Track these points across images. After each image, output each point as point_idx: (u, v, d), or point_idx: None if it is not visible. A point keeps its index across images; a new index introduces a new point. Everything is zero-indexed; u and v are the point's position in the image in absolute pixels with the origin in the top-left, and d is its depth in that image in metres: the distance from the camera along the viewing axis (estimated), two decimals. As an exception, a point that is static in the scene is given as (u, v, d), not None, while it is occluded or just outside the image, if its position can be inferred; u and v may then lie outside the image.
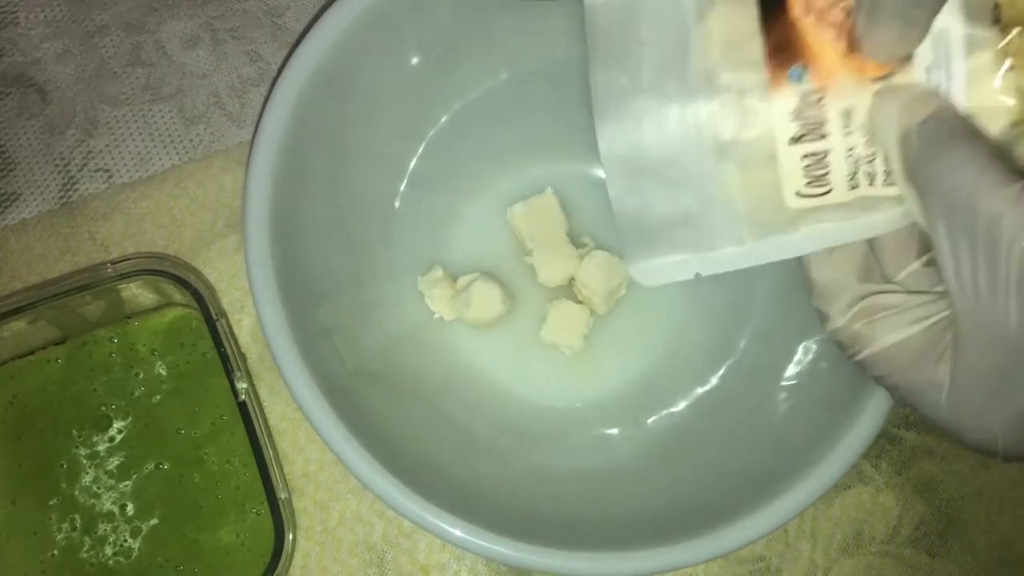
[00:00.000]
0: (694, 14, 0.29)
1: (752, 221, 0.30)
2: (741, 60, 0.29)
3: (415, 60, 0.40)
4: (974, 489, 0.44)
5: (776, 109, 0.28)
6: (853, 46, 0.27)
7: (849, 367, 0.30)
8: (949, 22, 0.26)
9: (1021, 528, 0.44)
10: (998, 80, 0.26)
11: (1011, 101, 0.26)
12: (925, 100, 0.26)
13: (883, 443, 0.45)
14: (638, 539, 0.35)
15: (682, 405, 0.42)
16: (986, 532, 0.44)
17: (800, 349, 0.38)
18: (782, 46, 0.28)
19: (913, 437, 0.45)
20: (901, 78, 0.27)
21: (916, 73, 0.27)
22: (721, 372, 0.42)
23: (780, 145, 0.29)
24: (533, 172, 0.46)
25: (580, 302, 0.44)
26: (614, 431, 0.43)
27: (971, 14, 0.26)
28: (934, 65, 0.27)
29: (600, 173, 0.46)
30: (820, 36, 0.28)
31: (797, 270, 0.33)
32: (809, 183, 0.29)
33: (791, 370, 0.38)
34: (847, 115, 0.28)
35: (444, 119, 0.43)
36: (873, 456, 0.44)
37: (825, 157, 0.29)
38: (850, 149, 0.28)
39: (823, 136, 0.29)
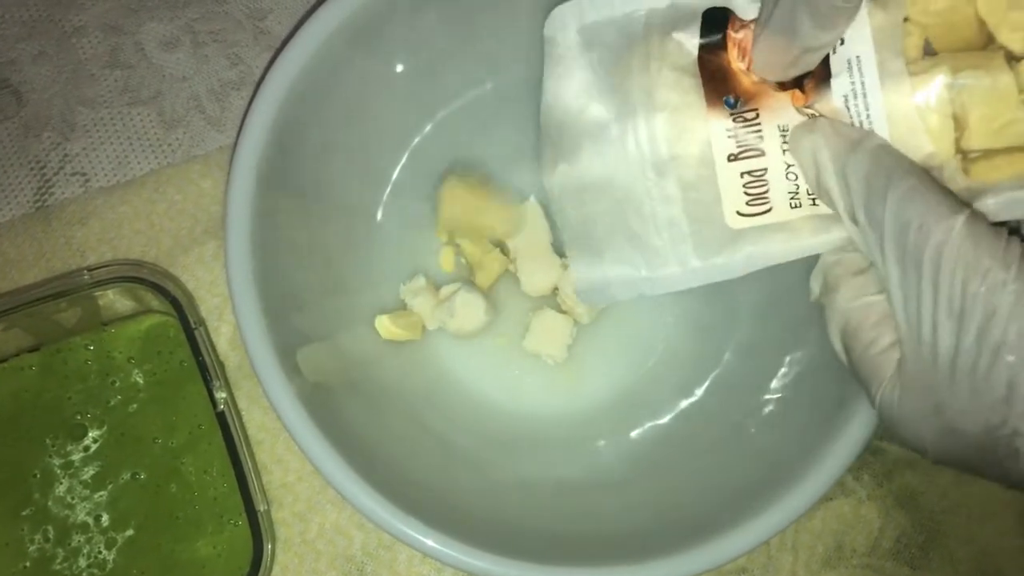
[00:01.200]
0: (642, 33, 0.30)
1: (695, 241, 0.30)
2: (680, 82, 0.30)
3: (399, 67, 0.40)
4: (955, 501, 0.45)
5: (713, 126, 0.29)
6: (784, 83, 0.28)
7: (834, 380, 0.30)
8: (861, 50, 0.26)
9: (1001, 540, 0.44)
10: (917, 111, 0.26)
11: (934, 129, 0.26)
12: (852, 135, 0.27)
13: (865, 455, 0.45)
14: (620, 554, 0.35)
15: (666, 417, 0.42)
16: (967, 544, 0.44)
17: (785, 362, 0.38)
18: (717, 78, 0.29)
19: (895, 449, 0.45)
20: (821, 107, 0.28)
21: (835, 101, 0.27)
22: (706, 384, 0.42)
23: (719, 162, 0.30)
24: (517, 181, 0.45)
25: (563, 312, 0.44)
26: (597, 443, 0.43)
27: (882, 43, 0.26)
28: (851, 95, 0.27)
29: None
30: (751, 78, 0.29)
31: (782, 282, 0.32)
32: (749, 201, 0.30)
33: (776, 383, 0.38)
34: (783, 132, 0.29)
35: (428, 127, 0.43)
36: (855, 468, 0.44)
37: (764, 174, 0.29)
38: (789, 166, 0.29)
39: (761, 153, 0.29)
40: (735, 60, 0.29)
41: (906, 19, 0.26)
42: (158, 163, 0.46)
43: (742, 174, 0.29)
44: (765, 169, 0.29)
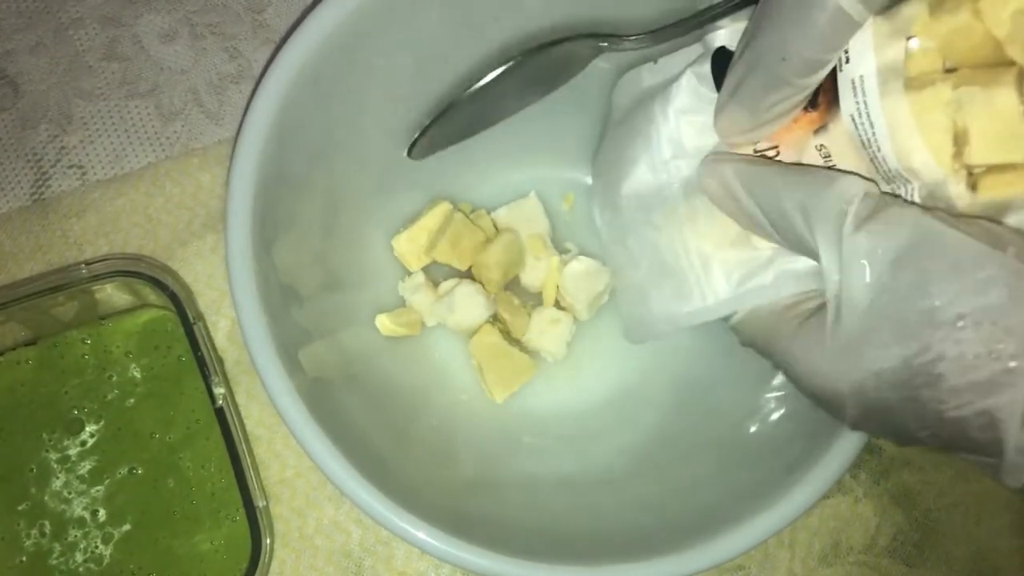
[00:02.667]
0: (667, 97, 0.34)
1: (726, 266, 0.32)
2: (705, 127, 0.32)
3: (400, 62, 0.39)
4: (951, 500, 0.45)
5: None
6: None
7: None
8: (864, 70, 0.27)
9: (998, 539, 0.44)
10: (918, 128, 0.26)
11: (935, 146, 0.26)
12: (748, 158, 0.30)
13: (862, 453, 0.44)
14: (619, 552, 0.35)
15: (666, 414, 0.42)
16: (963, 543, 0.44)
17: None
18: None
19: (892, 448, 0.45)
20: (834, 126, 0.29)
21: (844, 120, 0.28)
22: (706, 382, 0.42)
23: None
24: (518, 177, 0.45)
25: (563, 308, 0.44)
26: (596, 440, 0.42)
27: (884, 63, 0.26)
28: (856, 114, 0.27)
29: (585, 179, 0.45)
30: None
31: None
32: None
33: (777, 381, 0.38)
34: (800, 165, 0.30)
35: (429, 123, 0.42)
36: (852, 466, 0.44)
37: None
38: None
39: None
40: None
41: (912, 38, 0.26)
42: (156, 156, 0.46)
43: None
44: None
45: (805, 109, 0.29)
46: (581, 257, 0.44)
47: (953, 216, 0.26)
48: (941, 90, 0.25)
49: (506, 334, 0.44)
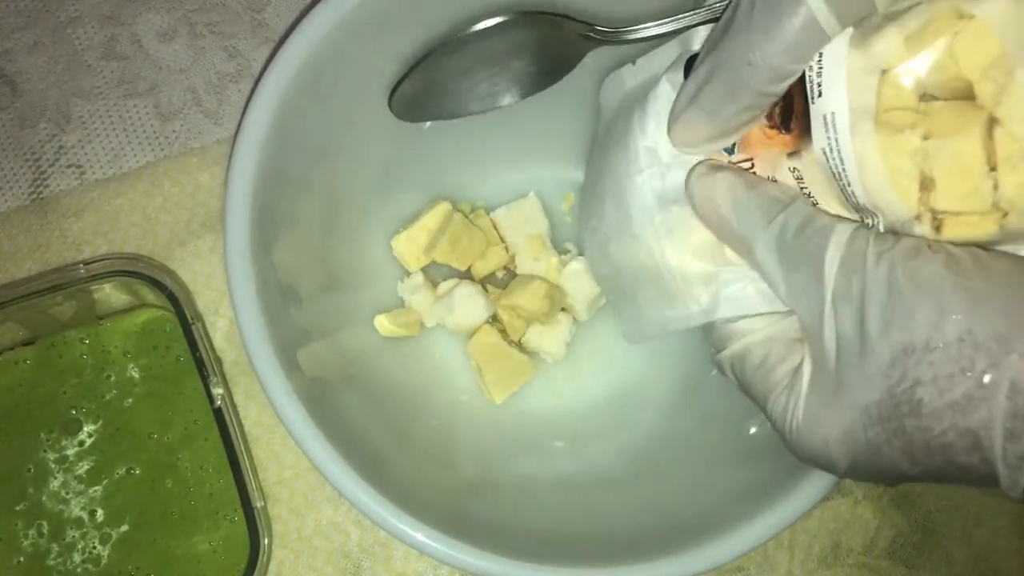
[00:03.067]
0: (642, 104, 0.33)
1: (704, 275, 0.33)
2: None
3: (401, 61, 0.39)
4: (951, 502, 0.45)
5: None
6: (770, 121, 0.30)
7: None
8: (836, 107, 0.27)
9: (997, 541, 0.44)
10: (886, 169, 0.26)
11: (902, 188, 0.26)
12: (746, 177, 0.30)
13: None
14: (618, 553, 0.35)
15: (665, 416, 0.42)
16: (963, 545, 0.44)
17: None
18: None
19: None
20: (806, 154, 0.29)
21: (816, 151, 0.28)
22: (706, 383, 0.42)
23: None
24: (517, 177, 0.45)
25: (563, 309, 0.44)
26: (595, 440, 0.42)
27: (856, 100, 0.26)
28: (827, 148, 0.27)
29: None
30: None
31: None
32: None
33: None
34: (774, 182, 0.30)
35: (429, 123, 0.42)
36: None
37: None
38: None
39: None
40: None
41: (886, 72, 0.26)
42: (154, 156, 0.46)
43: None
44: None
45: (779, 130, 0.29)
46: (580, 258, 0.44)
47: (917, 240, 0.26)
48: (910, 138, 0.25)
49: (505, 335, 0.43)
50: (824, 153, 0.28)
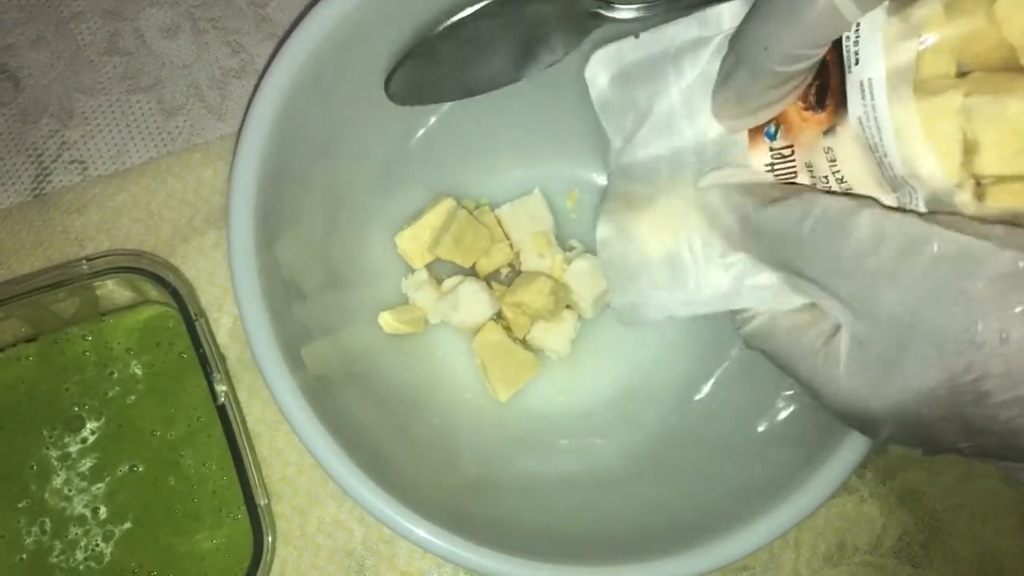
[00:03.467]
0: (677, 69, 0.32)
1: (727, 258, 0.31)
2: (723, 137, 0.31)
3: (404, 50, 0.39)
4: (958, 500, 0.44)
5: (753, 161, 0.31)
6: (805, 103, 0.29)
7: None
8: (872, 73, 0.26)
9: (1004, 540, 0.44)
10: (925, 134, 0.26)
11: (942, 153, 0.26)
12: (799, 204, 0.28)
13: (868, 453, 0.44)
14: (621, 551, 0.35)
15: (671, 414, 0.42)
16: (969, 543, 0.44)
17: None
18: None
19: (898, 448, 0.44)
20: (842, 128, 0.28)
21: (852, 123, 0.27)
22: (711, 381, 0.42)
23: None
24: (522, 174, 0.45)
25: (568, 306, 0.43)
26: (600, 439, 0.42)
27: (894, 66, 0.26)
28: (864, 117, 0.27)
29: (589, 176, 0.45)
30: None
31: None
32: None
33: (783, 381, 0.38)
34: (809, 167, 0.30)
35: (433, 119, 0.42)
36: (857, 466, 0.44)
37: None
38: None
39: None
40: None
41: (924, 40, 0.25)
42: (157, 152, 0.46)
43: None
44: None
45: (814, 110, 0.29)
46: (586, 255, 0.43)
47: (972, 219, 0.25)
48: (952, 98, 0.25)
49: (509, 332, 0.43)
50: (860, 122, 0.27)
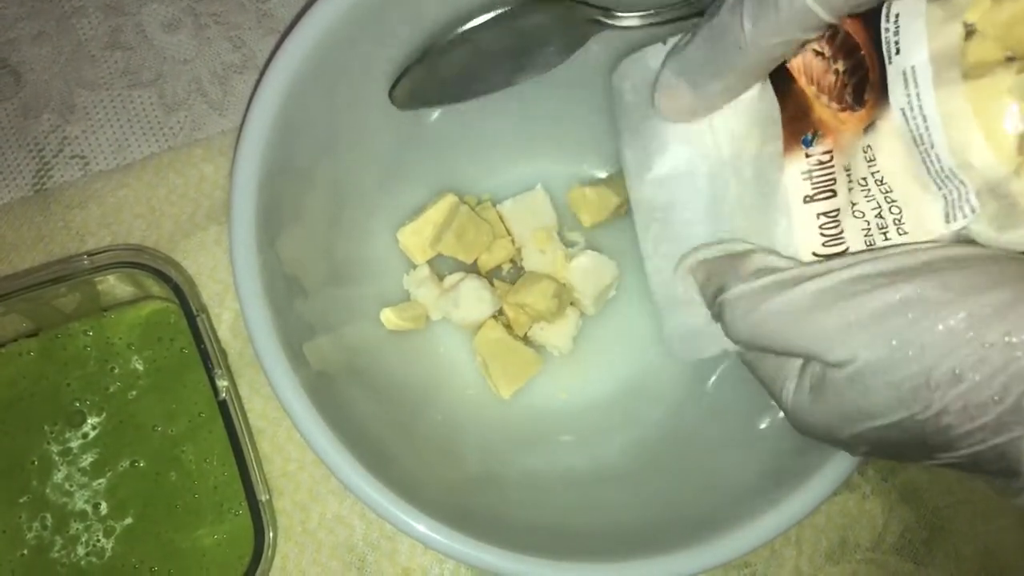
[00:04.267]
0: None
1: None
2: (759, 128, 0.30)
3: (407, 52, 0.39)
4: (959, 498, 0.44)
5: (789, 171, 0.29)
6: (841, 104, 0.28)
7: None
8: (916, 60, 0.25)
9: (1005, 538, 0.44)
10: (976, 121, 0.25)
11: (994, 139, 0.25)
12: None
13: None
14: (624, 548, 0.35)
15: (674, 410, 0.42)
16: (971, 541, 0.44)
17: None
18: (796, 116, 0.29)
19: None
20: (882, 123, 0.27)
21: (894, 115, 0.27)
22: (714, 378, 0.41)
23: (794, 205, 0.30)
24: (524, 169, 0.45)
25: (570, 303, 0.43)
26: (602, 435, 0.42)
27: (938, 52, 0.25)
28: (908, 107, 0.26)
29: (593, 172, 0.45)
30: (821, 101, 0.29)
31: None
32: (825, 242, 0.29)
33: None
34: (847, 171, 0.29)
35: (436, 115, 0.42)
36: (859, 463, 0.44)
37: (837, 215, 0.29)
38: (854, 205, 0.29)
39: (834, 194, 0.29)
40: (805, 86, 0.29)
41: (970, 26, 0.24)
42: (159, 147, 0.46)
43: (818, 215, 0.29)
44: (838, 209, 0.29)
45: (851, 109, 0.28)
46: (588, 251, 0.43)
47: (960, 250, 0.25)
48: (1002, 77, 0.24)
49: (510, 329, 0.43)
50: (904, 113, 0.26)
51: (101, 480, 0.41)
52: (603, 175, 0.45)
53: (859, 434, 0.27)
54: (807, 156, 0.29)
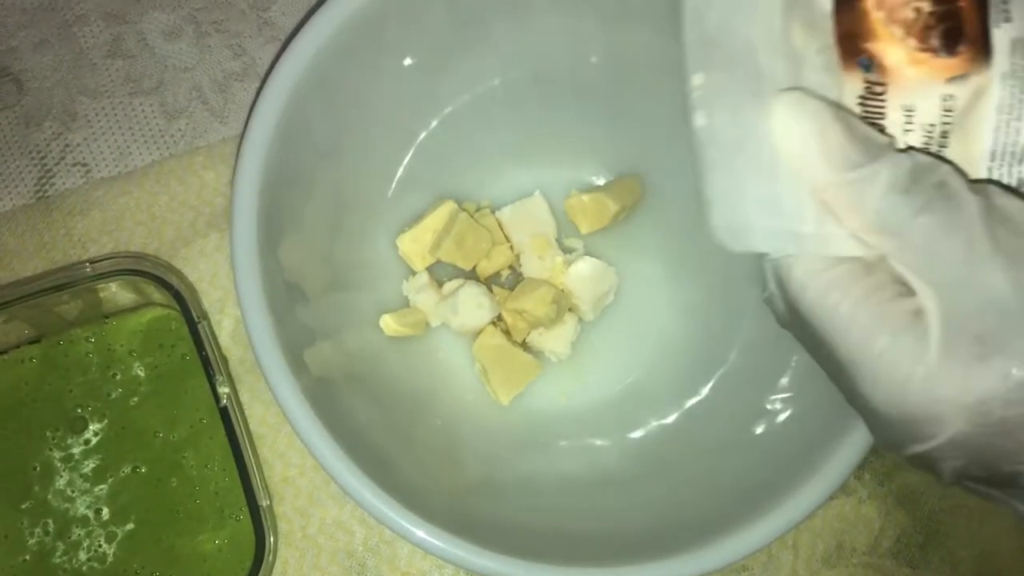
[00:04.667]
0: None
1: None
2: (821, 44, 0.27)
3: (407, 62, 0.39)
4: (956, 502, 0.45)
5: (847, 88, 0.27)
6: (923, 44, 0.26)
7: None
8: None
9: (1001, 542, 0.44)
10: None
11: None
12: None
13: (867, 455, 0.45)
14: (622, 552, 0.35)
15: (671, 415, 0.42)
16: (967, 545, 0.44)
17: (792, 362, 0.38)
18: (852, 35, 0.27)
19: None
20: (978, 80, 0.26)
21: (993, 79, 0.26)
22: (711, 383, 0.42)
23: None
24: (522, 176, 0.45)
25: (568, 309, 0.44)
26: (601, 440, 0.42)
27: None
28: (1010, 74, 0.25)
29: (591, 179, 0.45)
30: (889, 32, 0.27)
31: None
32: None
33: (783, 382, 0.38)
34: (908, 112, 0.27)
35: (435, 123, 0.42)
36: (856, 467, 0.44)
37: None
38: (907, 146, 0.27)
39: (881, 130, 0.27)
40: (873, 9, 0.27)
41: None
42: (160, 154, 0.46)
43: None
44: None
45: (936, 53, 0.26)
46: (586, 257, 0.44)
47: None
48: None
49: (508, 335, 0.43)
50: (1002, 80, 0.25)
51: (103, 486, 0.41)
52: (601, 182, 0.45)
53: (972, 404, 0.23)
54: (864, 81, 0.27)
